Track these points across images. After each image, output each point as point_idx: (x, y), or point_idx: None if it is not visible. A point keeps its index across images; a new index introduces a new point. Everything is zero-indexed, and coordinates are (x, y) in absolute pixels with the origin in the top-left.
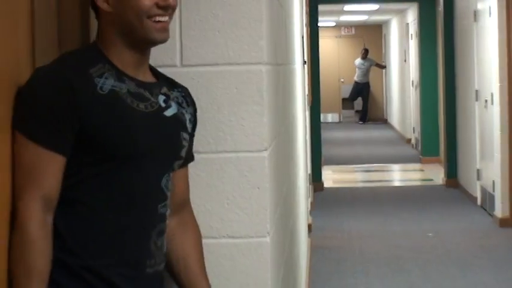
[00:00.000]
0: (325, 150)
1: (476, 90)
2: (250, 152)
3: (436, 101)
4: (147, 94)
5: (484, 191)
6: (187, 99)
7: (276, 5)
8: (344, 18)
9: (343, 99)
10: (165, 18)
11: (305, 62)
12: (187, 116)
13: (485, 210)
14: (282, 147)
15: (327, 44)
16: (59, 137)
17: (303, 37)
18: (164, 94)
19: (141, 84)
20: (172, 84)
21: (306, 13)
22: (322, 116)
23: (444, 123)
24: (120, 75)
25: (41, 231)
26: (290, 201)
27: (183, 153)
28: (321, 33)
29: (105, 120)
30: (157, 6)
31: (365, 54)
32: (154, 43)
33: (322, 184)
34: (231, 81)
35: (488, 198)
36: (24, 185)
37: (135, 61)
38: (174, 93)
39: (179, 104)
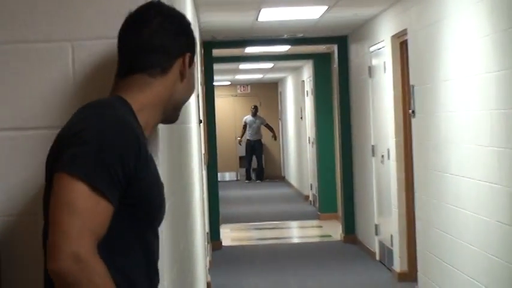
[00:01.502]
0: (223, 209)
1: (373, 146)
2: None
3: (333, 157)
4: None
5: (382, 245)
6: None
7: None
8: (240, 76)
9: (240, 157)
10: None
11: (201, 121)
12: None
13: (384, 265)
14: (178, 205)
15: (223, 103)
16: (118, 190)
17: (198, 96)
18: (151, 154)
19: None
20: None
21: (201, 72)
22: (219, 174)
23: (341, 179)
24: (143, 135)
25: (103, 265)
26: (188, 259)
27: None
28: (216, 92)
29: (150, 182)
30: None
31: (255, 112)
32: (173, 122)
33: (221, 242)
34: None
35: (386, 253)
36: (81, 228)
37: (153, 125)
38: None
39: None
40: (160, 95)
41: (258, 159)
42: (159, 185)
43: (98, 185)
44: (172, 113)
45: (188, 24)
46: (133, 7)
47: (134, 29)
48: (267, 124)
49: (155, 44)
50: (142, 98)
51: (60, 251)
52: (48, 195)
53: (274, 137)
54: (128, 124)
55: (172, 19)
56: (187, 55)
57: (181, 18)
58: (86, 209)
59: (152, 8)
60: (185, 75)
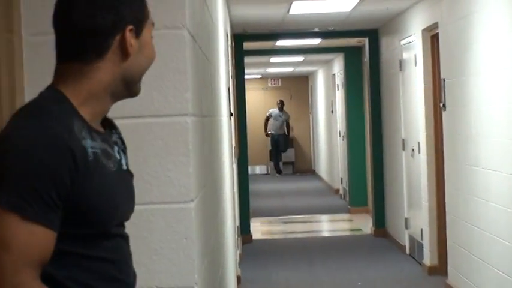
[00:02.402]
0: (254, 202)
1: (403, 139)
2: (177, 203)
3: (364, 151)
4: (109, 149)
5: (412, 239)
6: (122, 140)
7: (201, 57)
8: (270, 70)
9: (271, 151)
10: None
11: (231, 114)
12: (127, 161)
13: (414, 258)
14: (209, 198)
15: (253, 96)
16: (55, 212)
17: (229, 89)
18: (115, 143)
19: (103, 138)
20: (110, 125)
21: (232, 65)
22: (249, 168)
23: (371, 173)
24: (91, 132)
25: None
26: (218, 253)
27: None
28: (247, 85)
29: (94, 195)
30: None
31: (281, 106)
32: (134, 96)
33: (251, 236)
34: (157, 133)
35: (416, 246)
36: (17, 263)
37: (103, 113)
38: (116, 138)
39: (123, 152)
40: (102, 82)
41: (279, 153)
42: (108, 190)
43: (29, 214)
44: (126, 91)
45: None
46: None
47: (62, 11)
48: (288, 123)
49: (85, 25)
50: (81, 90)
51: None
52: None
53: (288, 133)
54: (57, 137)
55: None
56: (128, 28)
57: None
58: (20, 243)
59: None
60: (129, 52)
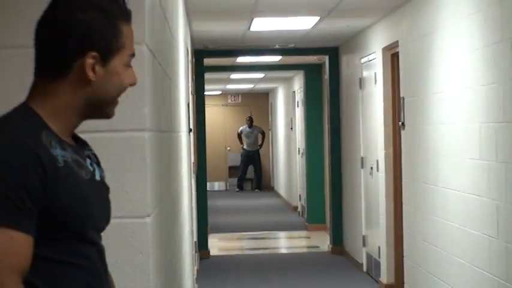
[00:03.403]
0: (212, 218)
1: (362, 157)
2: (133, 217)
3: (322, 168)
4: (81, 160)
5: (369, 257)
6: (96, 156)
7: (160, 73)
8: (230, 86)
9: (230, 168)
10: None
11: (191, 129)
12: (103, 174)
13: (371, 276)
14: (165, 213)
15: (213, 112)
16: (30, 217)
17: (188, 105)
18: (88, 156)
19: (74, 149)
20: (83, 142)
21: (193, 81)
22: (208, 184)
23: (330, 190)
24: (61, 142)
25: None
26: (175, 268)
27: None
28: (207, 101)
29: (68, 198)
30: (130, 85)
31: (251, 123)
32: (107, 118)
33: (209, 252)
34: (114, 148)
35: (374, 264)
36: (1, 270)
37: (72, 128)
38: (89, 153)
39: (97, 164)
40: (64, 101)
41: (257, 169)
42: (81, 195)
43: (4, 221)
44: (98, 113)
45: (93, 18)
46: None
47: (38, 28)
48: (264, 132)
49: (52, 44)
50: (46, 106)
51: None
52: None
53: (260, 146)
54: (24, 145)
55: (70, 14)
56: (90, 55)
57: (83, 12)
58: (0, 250)
59: (59, 3)
60: (89, 79)
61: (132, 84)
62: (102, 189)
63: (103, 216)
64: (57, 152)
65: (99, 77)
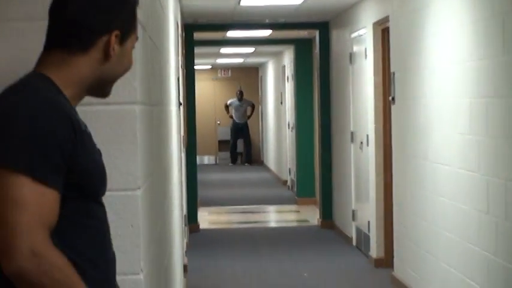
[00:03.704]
0: (201, 192)
1: (352, 132)
2: (123, 190)
3: (312, 142)
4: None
5: (359, 231)
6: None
7: (150, 47)
8: (220, 60)
9: (220, 142)
10: None
11: (181, 103)
12: None
13: (361, 250)
14: (156, 186)
15: (203, 87)
16: (60, 176)
17: (179, 79)
18: (85, 125)
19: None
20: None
21: (182, 55)
22: (198, 158)
23: (320, 165)
24: (74, 110)
25: (61, 256)
26: (165, 241)
27: None
28: (197, 76)
29: (87, 161)
30: None
31: (241, 96)
32: (102, 97)
33: (198, 225)
34: (105, 121)
35: (363, 238)
36: (32, 222)
37: (77, 102)
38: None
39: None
40: (80, 74)
41: (247, 143)
42: (96, 158)
43: (40, 175)
44: (99, 90)
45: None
46: None
47: (60, 2)
48: (254, 105)
49: (77, 19)
50: (61, 76)
51: (15, 249)
52: None
53: (248, 117)
54: (59, 105)
55: None
56: (115, 33)
57: None
58: (33, 202)
59: None
60: (110, 55)
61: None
62: (100, 156)
63: (106, 181)
64: (77, 117)
65: (115, 56)
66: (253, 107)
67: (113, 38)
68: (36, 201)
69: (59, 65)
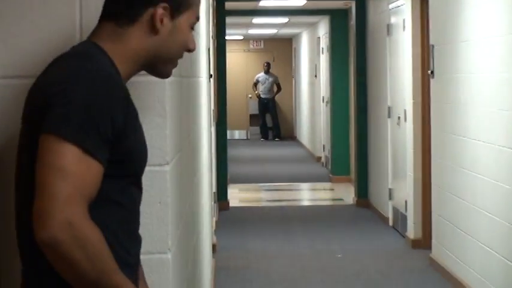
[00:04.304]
0: (232, 168)
1: (389, 107)
2: (151, 165)
3: (347, 118)
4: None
5: (396, 211)
6: None
7: None
8: (252, 31)
9: (251, 116)
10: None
11: (211, 75)
12: None
13: (397, 231)
14: (185, 162)
15: (234, 58)
16: (107, 150)
17: (209, 50)
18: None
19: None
20: None
21: (213, 25)
22: (228, 132)
23: (355, 141)
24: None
25: (97, 231)
26: (193, 219)
27: None
28: (228, 47)
29: (134, 138)
30: (188, 50)
31: (268, 68)
32: (161, 77)
33: (228, 203)
34: (132, 92)
35: (400, 218)
36: (73, 193)
37: (130, 77)
38: None
39: None
40: (132, 47)
41: (274, 118)
42: (142, 138)
43: (88, 146)
44: (155, 68)
45: None
46: None
47: None
48: (279, 83)
49: None
50: (114, 49)
51: (51, 217)
52: (26, 155)
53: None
54: (114, 78)
55: None
56: (162, 5)
57: None
58: (77, 173)
59: None
60: (157, 28)
61: (191, 50)
62: (144, 136)
63: (146, 163)
64: (128, 92)
65: (166, 30)
66: (278, 86)
67: (159, 11)
68: (81, 173)
69: (111, 37)
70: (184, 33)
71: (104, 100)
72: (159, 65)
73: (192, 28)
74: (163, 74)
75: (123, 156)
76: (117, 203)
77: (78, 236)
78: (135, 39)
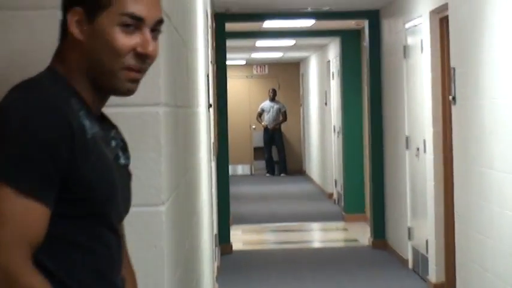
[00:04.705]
0: (235, 207)
1: (407, 137)
2: (145, 206)
3: (361, 149)
4: (107, 139)
5: (416, 252)
6: (124, 141)
7: (176, 39)
8: (256, 55)
9: (255, 149)
10: (140, 76)
11: (211, 105)
12: (128, 162)
13: (418, 274)
14: (182, 201)
15: (236, 85)
16: (51, 188)
17: (208, 76)
18: (113, 138)
19: (101, 127)
20: (112, 125)
21: (213, 49)
22: (230, 167)
23: (370, 175)
24: (89, 114)
25: (38, 278)
26: (192, 264)
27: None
28: (229, 73)
29: (92, 172)
30: (135, 54)
31: (273, 96)
32: (120, 94)
33: (231, 246)
34: (124, 125)
35: (421, 260)
36: (10, 238)
37: (98, 101)
38: (114, 134)
39: (123, 150)
40: (72, 62)
41: (280, 150)
42: (105, 170)
43: (26, 187)
44: (106, 83)
45: None
46: None
47: None
48: (286, 112)
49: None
50: (65, 68)
51: None
52: None
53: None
54: (56, 109)
55: None
56: (73, 10)
57: None
58: (15, 217)
59: None
60: (75, 36)
61: (146, 55)
62: (125, 175)
63: (124, 204)
64: (86, 122)
65: (88, 37)
66: (284, 115)
67: (70, 17)
68: (19, 216)
69: (58, 56)
70: (109, 35)
71: (42, 135)
72: (106, 79)
73: (128, 26)
74: (120, 90)
75: (80, 194)
76: (85, 248)
77: (14, 285)
78: (69, 53)
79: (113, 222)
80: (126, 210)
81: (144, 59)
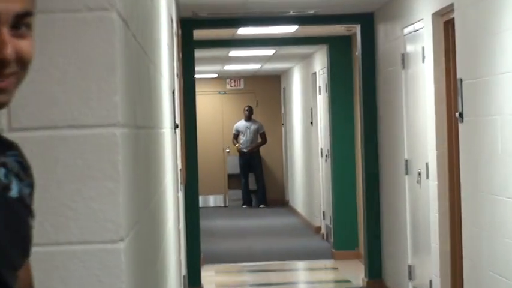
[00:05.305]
0: (206, 245)
1: (406, 161)
2: (101, 243)
3: (353, 176)
4: None
5: None
6: (23, 165)
7: (135, 49)
8: (229, 67)
9: (230, 176)
10: (7, 83)
11: (177, 125)
12: (27, 191)
13: None
14: (144, 238)
15: (207, 102)
16: None
17: (174, 92)
18: (2, 165)
19: None
20: (6, 145)
21: (179, 60)
22: (201, 198)
23: (364, 205)
24: None
25: None
26: None
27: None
28: (199, 88)
29: None
30: None
31: (249, 114)
32: None
33: None
34: (76, 150)
35: None
36: None
37: None
38: (9, 160)
39: (18, 177)
40: None
41: (258, 178)
42: None
43: None
44: None
45: None
46: None
47: None
48: (264, 133)
49: None
50: None
51: None
52: None
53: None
54: None
55: None
56: None
57: None
58: None
59: None
60: None
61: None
62: (18, 210)
63: (18, 249)
64: None
65: None
66: (263, 136)
67: None
68: None
69: None
70: None
71: None
72: None
73: None
74: None
75: None
76: None
77: None
78: None
79: (4, 278)
80: (24, 255)
81: (3, 64)
